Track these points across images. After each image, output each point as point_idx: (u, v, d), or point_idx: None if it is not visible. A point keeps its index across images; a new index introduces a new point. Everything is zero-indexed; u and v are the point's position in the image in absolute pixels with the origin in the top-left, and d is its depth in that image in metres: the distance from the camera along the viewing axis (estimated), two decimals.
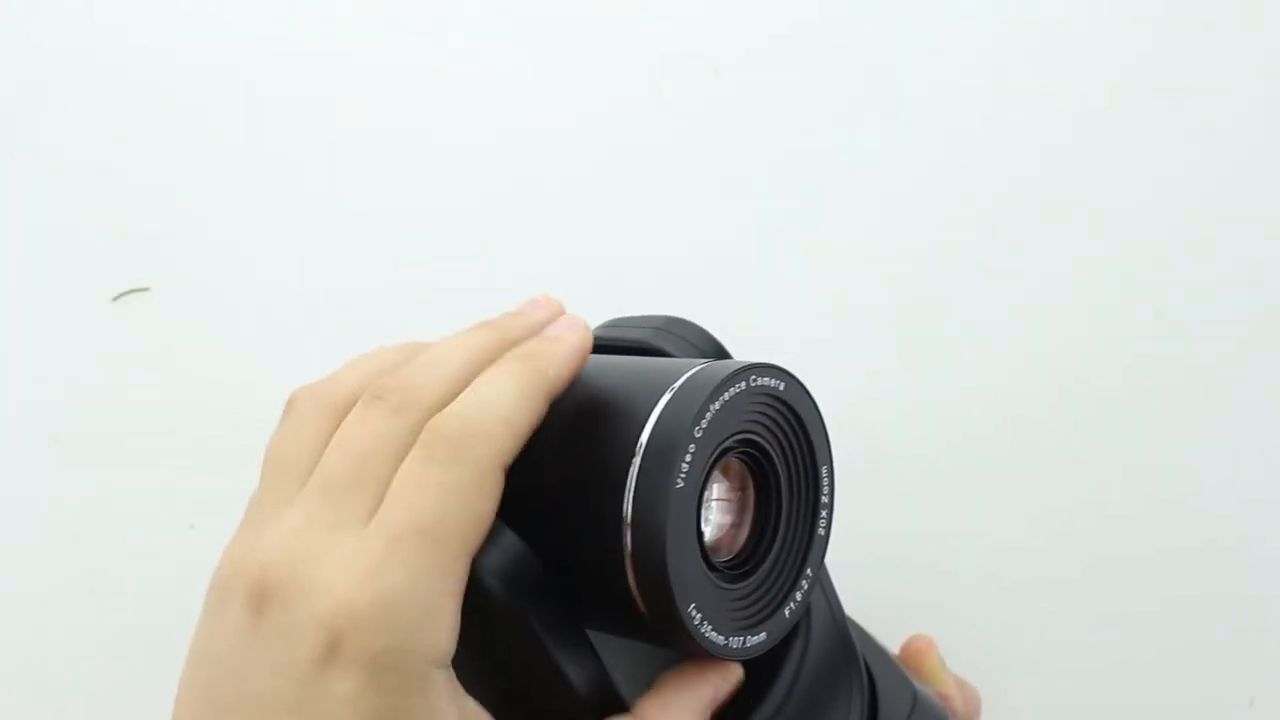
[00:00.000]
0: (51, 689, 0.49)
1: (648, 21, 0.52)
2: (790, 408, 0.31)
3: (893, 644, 0.39)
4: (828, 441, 0.32)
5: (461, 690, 0.27)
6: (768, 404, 0.30)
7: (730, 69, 0.52)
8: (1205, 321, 0.51)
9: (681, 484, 0.27)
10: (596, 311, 0.37)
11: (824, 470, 0.32)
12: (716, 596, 0.29)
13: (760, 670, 0.35)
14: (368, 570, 0.25)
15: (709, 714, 0.30)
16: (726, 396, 0.29)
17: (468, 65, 0.52)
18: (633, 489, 0.27)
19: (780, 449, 0.31)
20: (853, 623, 0.38)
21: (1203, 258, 0.52)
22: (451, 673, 0.27)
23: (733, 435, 0.29)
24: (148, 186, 0.52)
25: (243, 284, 0.51)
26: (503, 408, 0.27)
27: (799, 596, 0.31)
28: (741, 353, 0.43)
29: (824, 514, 0.32)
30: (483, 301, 0.40)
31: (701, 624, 0.28)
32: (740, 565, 0.31)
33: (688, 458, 0.27)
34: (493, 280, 0.50)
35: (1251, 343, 0.51)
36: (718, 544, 0.31)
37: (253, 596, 0.26)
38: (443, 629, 0.26)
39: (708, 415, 0.28)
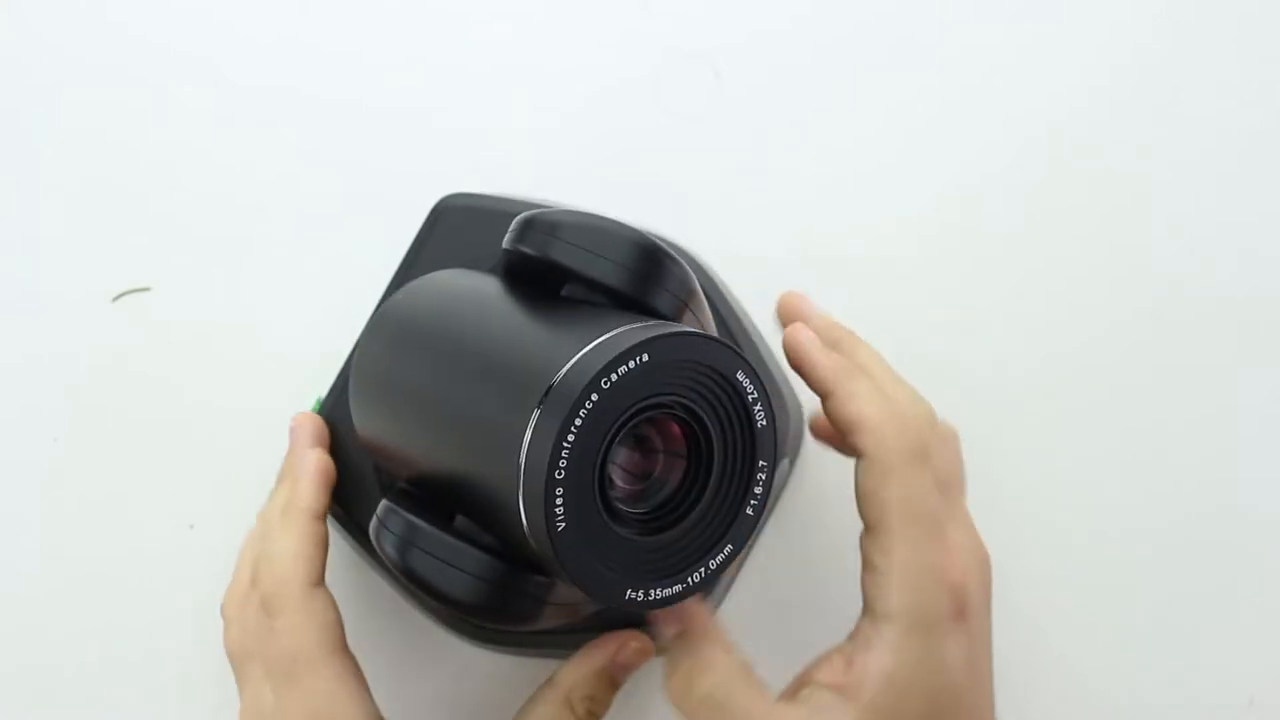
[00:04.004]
0: (51, 689, 0.49)
1: (648, 21, 0.52)
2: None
3: None
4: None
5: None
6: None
7: (731, 69, 0.52)
8: (1204, 318, 0.51)
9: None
10: None
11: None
12: (618, 545, 0.30)
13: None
14: None
15: (610, 676, 0.37)
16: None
17: (468, 66, 0.52)
18: (529, 437, 0.29)
19: (720, 423, 0.31)
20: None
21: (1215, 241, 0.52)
22: None
23: (656, 396, 0.30)
24: (147, 187, 0.52)
25: (243, 284, 0.51)
26: (282, 555, 0.38)
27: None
28: None
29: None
30: None
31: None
32: (653, 520, 0.31)
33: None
34: None
35: (1251, 342, 0.51)
36: (630, 494, 0.32)
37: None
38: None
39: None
